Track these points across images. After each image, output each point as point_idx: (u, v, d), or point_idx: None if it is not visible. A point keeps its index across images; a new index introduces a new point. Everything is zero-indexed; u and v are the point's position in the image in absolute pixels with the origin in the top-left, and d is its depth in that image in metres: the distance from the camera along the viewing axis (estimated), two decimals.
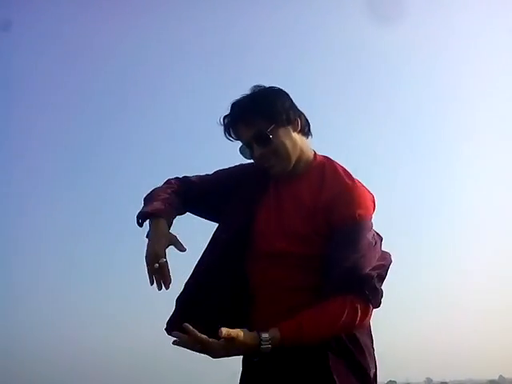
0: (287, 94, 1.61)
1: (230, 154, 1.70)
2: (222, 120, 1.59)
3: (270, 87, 1.61)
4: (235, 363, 1.54)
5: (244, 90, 1.59)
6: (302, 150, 1.59)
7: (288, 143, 1.55)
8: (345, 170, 1.58)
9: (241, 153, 1.60)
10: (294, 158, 1.57)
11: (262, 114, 1.54)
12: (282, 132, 1.54)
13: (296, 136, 1.57)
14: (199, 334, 1.32)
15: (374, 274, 1.46)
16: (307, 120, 1.63)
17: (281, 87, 1.63)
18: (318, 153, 1.65)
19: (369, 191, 1.56)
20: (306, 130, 1.61)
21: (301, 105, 1.61)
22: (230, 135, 1.59)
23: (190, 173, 1.72)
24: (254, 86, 1.60)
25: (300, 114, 1.60)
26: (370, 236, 1.50)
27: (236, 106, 1.57)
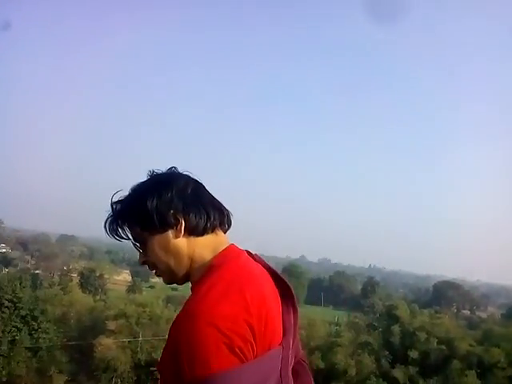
0: (173, 186, 1.30)
1: None
2: (104, 223, 1.35)
3: (154, 180, 1.34)
4: None
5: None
6: (192, 256, 1.29)
7: (163, 255, 1.29)
8: (228, 277, 1.20)
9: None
10: (178, 269, 1.31)
11: (136, 221, 1.31)
12: (157, 241, 1.29)
13: (180, 242, 1.29)
14: None
15: None
16: (206, 214, 1.29)
17: (173, 174, 1.36)
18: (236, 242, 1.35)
19: (228, 315, 1.11)
20: (201, 229, 1.29)
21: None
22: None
23: None
24: (150, 172, 1.37)
25: (189, 212, 1.28)
26: None
27: (115, 207, 1.34)
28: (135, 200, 1.31)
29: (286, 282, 1.34)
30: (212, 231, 1.32)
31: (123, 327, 39.57)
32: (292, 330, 1.29)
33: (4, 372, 37.12)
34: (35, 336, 39.63)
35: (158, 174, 1.37)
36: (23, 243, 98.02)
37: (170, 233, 1.29)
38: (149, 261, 1.34)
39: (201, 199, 1.32)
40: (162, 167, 1.42)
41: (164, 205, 1.28)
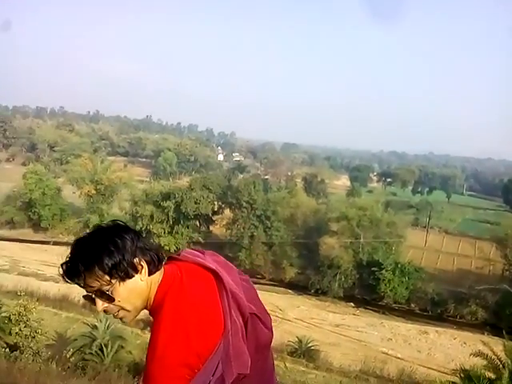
0: (131, 237, 1.52)
1: None
2: (61, 267, 1.47)
3: (113, 234, 1.50)
4: None
5: None
6: (150, 292, 1.54)
7: (133, 297, 1.52)
8: (170, 312, 1.47)
9: (84, 298, 1.53)
10: (143, 306, 1.55)
11: (106, 272, 1.46)
12: (126, 286, 1.50)
13: (143, 282, 1.53)
14: None
15: None
16: (156, 255, 1.56)
17: (124, 227, 1.55)
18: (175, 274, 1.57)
19: (193, 338, 1.44)
20: (155, 268, 1.55)
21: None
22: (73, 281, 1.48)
23: None
24: (96, 229, 1.53)
25: (146, 256, 1.53)
26: None
27: (76, 259, 1.46)
28: (104, 254, 1.47)
29: (215, 271, 1.62)
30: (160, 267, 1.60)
31: (345, 229, 41.81)
32: (228, 312, 1.56)
33: (247, 261, 43.74)
34: (269, 233, 45.02)
35: (109, 228, 1.56)
36: (253, 152, 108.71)
37: (137, 277, 1.53)
38: (109, 306, 1.52)
39: (147, 244, 1.59)
40: None
41: (131, 254, 1.51)
